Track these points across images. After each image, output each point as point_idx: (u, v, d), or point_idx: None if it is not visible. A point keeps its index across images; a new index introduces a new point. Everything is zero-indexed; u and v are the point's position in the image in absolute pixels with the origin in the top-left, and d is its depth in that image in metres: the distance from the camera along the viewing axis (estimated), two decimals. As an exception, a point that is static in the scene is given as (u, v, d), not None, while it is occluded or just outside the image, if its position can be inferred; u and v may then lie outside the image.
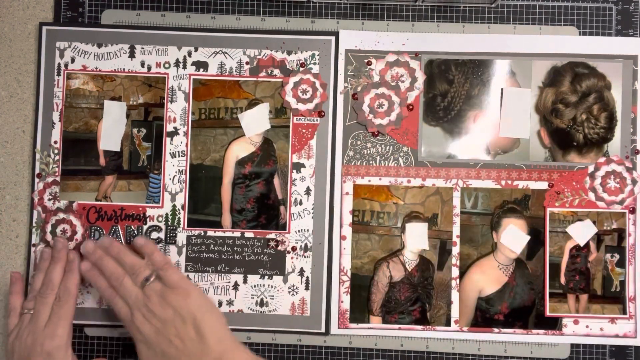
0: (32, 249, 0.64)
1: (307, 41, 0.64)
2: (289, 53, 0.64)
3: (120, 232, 0.64)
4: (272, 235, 0.64)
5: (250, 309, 0.64)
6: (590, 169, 0.64)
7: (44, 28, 0.65)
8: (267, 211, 0.64)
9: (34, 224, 0.64)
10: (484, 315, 0.63)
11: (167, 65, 0.64)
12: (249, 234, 0.64)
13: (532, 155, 0.64)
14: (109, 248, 0.60)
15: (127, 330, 0.57)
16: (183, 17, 0.65)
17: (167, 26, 0.65)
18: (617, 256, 0.63)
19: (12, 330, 0.59)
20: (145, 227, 0.64)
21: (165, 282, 0.57)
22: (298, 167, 0.64)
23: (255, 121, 0.64)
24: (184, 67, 0.64)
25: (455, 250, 0.63)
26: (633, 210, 0.63)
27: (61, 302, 0.59)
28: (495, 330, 0.63)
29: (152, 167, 0.64)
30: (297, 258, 0.64)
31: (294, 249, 0.64)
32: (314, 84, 0.64)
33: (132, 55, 0.64)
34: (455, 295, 0.63)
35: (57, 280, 0.60)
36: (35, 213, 0.64)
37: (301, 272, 0.64)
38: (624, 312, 0.63)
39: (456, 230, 0.64)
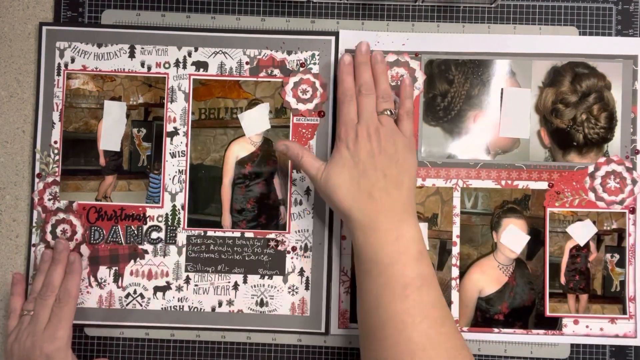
0: (32, 249, 0.64)
1: (307, 41, 0.64)
2: (289, 53, 0.64)
3: (121, 232, 0.64)
4: (272, 235, 0.64)
5: (250, 309, 0.64)
6: (590, 169, 0.64)
7: (44, 28, 0.65)
8: (267, 211, 0.64)
9: (34, 224, 0.64)
10: (484, 315, 0.63)
11: (167, 65, 0.64)
12: (249, 234, 0.64)
13: (532, 155, 0.64)
14: (375, 62, 0.60)
15: (337, 128, 0.58)
16: (183, 17, 0.65)
17: (167, 26, 0.65)
18: (617, 256, 0.63)
19: (12, 331, 0.59)
20: (145, 227, 0.64)
21: (401, 127, 0.58)
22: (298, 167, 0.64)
23: (255, 121, 0.64)
24: (184, 67, 0.64)
25: (455, 250, 0.63)
26: (633, 210, 0.63)
27: (61, 304, 0.59)
28: (495, 330, 0.63)
29: (152, 167, 0.64)
30: (297, 258, 0.64)
31: (294, 249, 0.64)
32: (314, 84, 0.64)
33: (132, 55, 0.64)
34: (455, 295, 0.63)
35: (57, 282, 0.60)
36: (35, 213, 0.64)
37: (301, 272, 0.64)
38: (624, 312, 0.63)
39: (456, 230, 0.63)
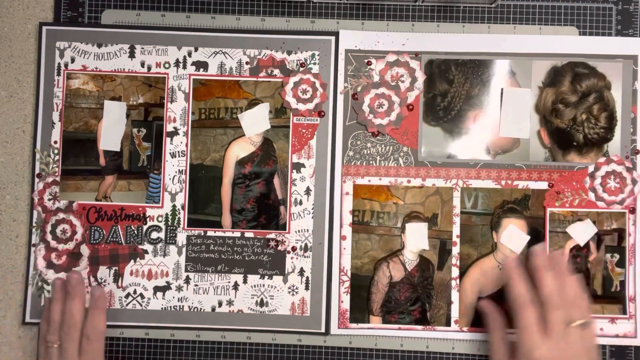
0: (32, 249, 0.64)
1: (307, 41, 0.64)
2: (289, 53, 0.64)
3: (121, 232, 0.64)
4: (272, 235, 0.64)
5: (250, 309, 0.64)
6: (590, 169, 0.64)
7: (44, 28, 0.65)
8: (267, 211, 0.64)
9: (34, 224, 0.64)
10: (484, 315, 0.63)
11: (167, 65, 0.64)
12: (249, 234, 0.64)
13: (532, 155, 0.64)
14: (556, 264, 0.57)
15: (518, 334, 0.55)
16: (183, 17, 0.65)
17: (167, 26, 0.65)
18: (617, 256, 0.63)
19: None
20: (145, 227, 0.64)
21: (587, 331, 0.55)
22: (298, 167, 0.64)
23: (255, 121, 0.64)
24: (184, 67, 0.64)
25: (455, 250, 0.63)
26: (633, 210, 0.63)
27: (91, 340, 0.58)
28: (495, 330, 0.63)
29: (152, 167, 0.64)
30: (297, 258, 0.64)
31: (294, 249, 0.64)
32: (314, 84, 0.64)
33: (132, 55, 0.64)
34: (455, 295, 0.63)
35: (79, 317, 0.59)
36: (35, 213, 0.64)
37: (301, 272, 0.64)
38: (624, 312, 0.63)
39: (456, 230, 0.63)
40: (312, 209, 0.64)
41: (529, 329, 0.55)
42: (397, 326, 0.63)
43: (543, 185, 0.64)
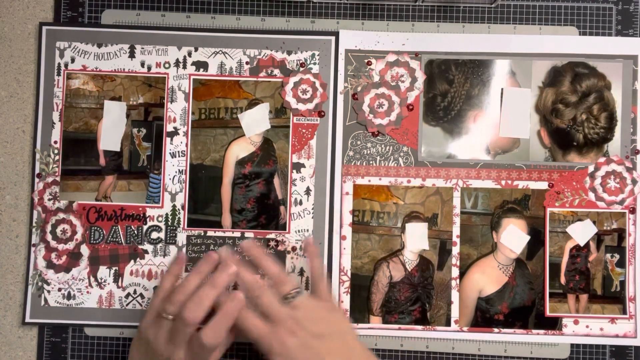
0: (32, 248, 0.64)
1: (307, 41, 0.64)
2: (289, 53, 0.64)
3: (121, 232, 0.64)
4: (272, 235, 0.64)
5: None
6: (590, 169, 0.64)
7: (44, 28, 0.65)
8: (267, 211, 0.64)
9: (34, 224, 0.64)
10: (484, 315, 0.63)
11: (167, 65, 0.64)
12: (249, 234, 0.64)
13: (532, 155, 0.64)
14: (247, 250, 0.55)
15: (257, 345, 0.51)
16: (183, 17, 0.65)
17: (167, 26, 0.65)
18: (617, 256, 0.63)
19: (149, 322, 0.54)
20: (145, 227, 0.64)
21: (317, 291, 0.55)
22: (298, 167, 0.64)
23: (255, 121, 0.64)
24: (184, 67, 0.64)
25: (455, 250, 0.63)
26: (633, 210, 0.63)
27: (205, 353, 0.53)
28: (495, 330, 0.63)
29: (152, 167, 0.64)
30: (297, 258, 0.64)
31: (294, 249, 0.64)
32: (314, 84, 0.64)
33: (132, 55, 0.64)
34: (455, 295, 0.63)
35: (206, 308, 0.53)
36: (35, 213, 0.64)
37: (301, 272, 0.64)
38: (624, 312, 0.63)
39: (456, 230, 0.63)
40: (312, 209, 0.64)
41: (264, 335, 0.51)
42: (397, 326, 0.63)
43: (543, 185, 0.64)
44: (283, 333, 0.51)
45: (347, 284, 0.63)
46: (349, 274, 0.63)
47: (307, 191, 0.64)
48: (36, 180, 0.64)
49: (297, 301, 0.53)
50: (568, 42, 0.64)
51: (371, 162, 0.64)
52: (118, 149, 0.64)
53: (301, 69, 0.64)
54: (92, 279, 0.64)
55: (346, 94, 0.64)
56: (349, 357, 0.52)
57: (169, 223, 0.64)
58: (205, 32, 0.64)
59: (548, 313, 0.63)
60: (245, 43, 0.64)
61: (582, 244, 0.63)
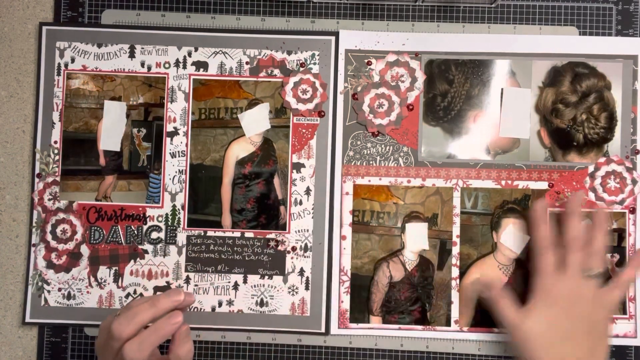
0: (32, 248, 0.64)
1: (307, 41, 0.64)
2: (289, 53, 0.64)
3: (121, 232, 0.64)
4: (272, 235, 0.64)
5: (250, 309, 0.64)
6: (590, 169, 0.64)
7: (44, 28, 0.65)
8: (267, 211, 0.64)
9: (34, 224, 0.64)
10: (484, 315, 0.63)
11: (167, 65, 0.64)
12: (249, 234, 0.64)
13: (532, 155, 0.64)
14: (599, 220, 0.59)
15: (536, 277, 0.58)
16: (183, 17, 0.65)
17: (167, 26, 0.65)
18: (617, 256, 0.63)
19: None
20: (145, 227, 0.64)
21: (607, 296, 0.58)
22: (298, 167, 0.64)
23: (255, 121, 0.64)
24: (184, 67, 0.64)
25: (455, 250, 0.63)
26: (633, 210, 0.63)
27: None
28: (495, 330, 0.63)
29: (152, 167, 0.64)
30: (297, 258, 0.64)
31: (294, 249, 0.64)
32: (314, 84, 0.64)
33: (132, 55, 0.64)
34: (455, 295, 0.63)
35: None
36: (35, 213, 0.64)
37: (301, 272, 0.64)
38: (624, 312, 0.63)
39: (456, 230, 0.63)
40: (312, 209, 0.64)
41: (547, 269, 0.57)
42: (397, 326, 0.63)
43: (543, 185, 0.64)
44: (571, 284, 0.56)
45: (347, 284, 0.63)
46: (349, 274, 0.63)
47: (307, 191, 0.64)
48: (36, 180, 0.64)
49: (588, 285, 0.57)
50: (568, 42, 0.64)
51: (371, 162, 0.64)
52: (118, 149, 0.64)
53: (301, 69, 0.64)
54: (92, 279, 0.64)
55: (346, 94, 0.64)
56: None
57: (169, 223, 0.64)
58: (205, 32, 0.64)
59: (548, 313, 0.63)
60: (245, 43, 0.64)
61: (582, 244, 0.63)
